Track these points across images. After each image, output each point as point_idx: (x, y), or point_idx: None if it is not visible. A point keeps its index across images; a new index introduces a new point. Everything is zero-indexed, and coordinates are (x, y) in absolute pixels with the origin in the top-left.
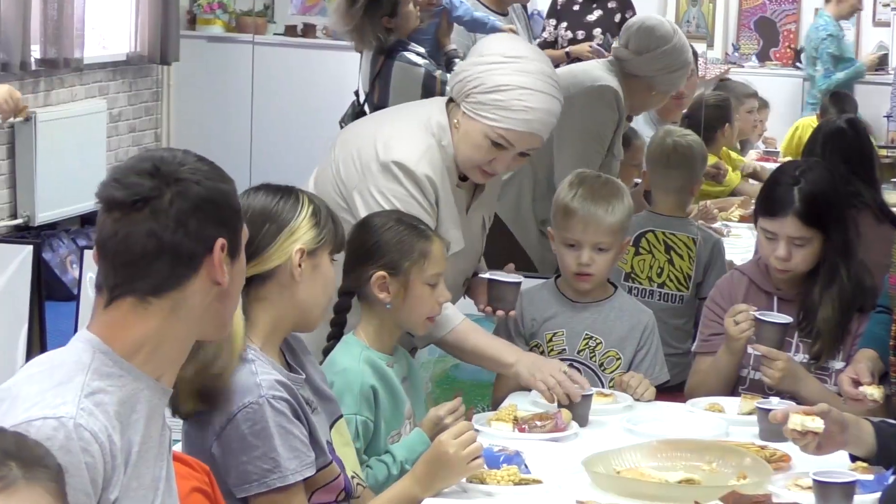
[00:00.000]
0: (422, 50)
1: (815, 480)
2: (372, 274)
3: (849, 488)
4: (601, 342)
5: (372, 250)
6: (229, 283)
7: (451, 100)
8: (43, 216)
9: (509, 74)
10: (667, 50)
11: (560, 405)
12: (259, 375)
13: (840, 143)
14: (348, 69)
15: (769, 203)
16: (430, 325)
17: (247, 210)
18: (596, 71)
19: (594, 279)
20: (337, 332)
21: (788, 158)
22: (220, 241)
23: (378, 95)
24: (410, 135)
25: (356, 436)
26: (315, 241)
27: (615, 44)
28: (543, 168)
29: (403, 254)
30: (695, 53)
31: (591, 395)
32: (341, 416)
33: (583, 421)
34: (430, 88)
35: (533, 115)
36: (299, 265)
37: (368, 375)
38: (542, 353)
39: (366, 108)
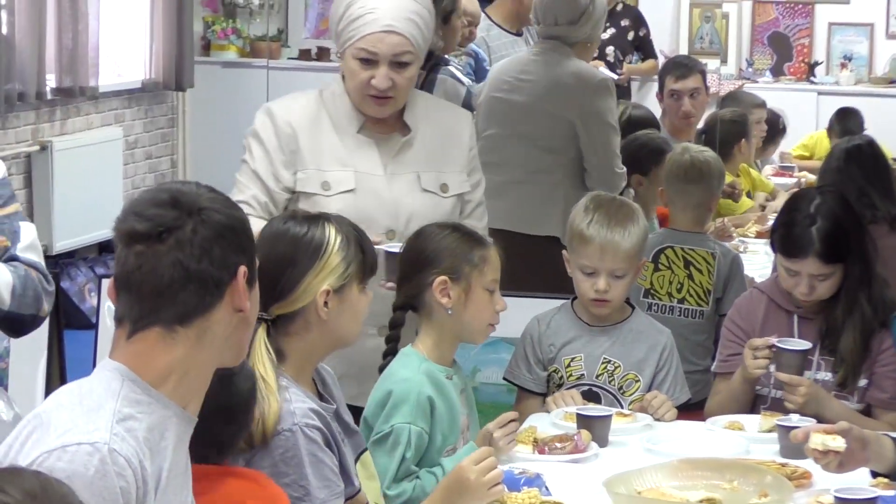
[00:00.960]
0: (461, 68)
1: (836, 497)
2: (433, 279)
3: None
4: (619, 366)
5: (431, 256)
6: (249, 309)
7: None
8: (61, 245)
9: None
10: (592, 6)
11: (579, 426)
12: (293, 403)
13: (857, 159)
14: None
15: (787, 244)
16: (491, 332)
17: (273, 243)
18: (580, 68)
19: (611, 305)
20: (392, 349)
21: (805, 173)
22: (242, 268)
23: None
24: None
25: (408, 445)
26: (342, 278)
27: (536, 27)
28: (581, 177)
29: (463, 259)
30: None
31: (610, 416)
32: (365, 450)
33: (602, 442)
34: (468, 107)
35: (378, 14)
36: (325, 304)
37: (427, 386)
38: (560, 377)
39: None
